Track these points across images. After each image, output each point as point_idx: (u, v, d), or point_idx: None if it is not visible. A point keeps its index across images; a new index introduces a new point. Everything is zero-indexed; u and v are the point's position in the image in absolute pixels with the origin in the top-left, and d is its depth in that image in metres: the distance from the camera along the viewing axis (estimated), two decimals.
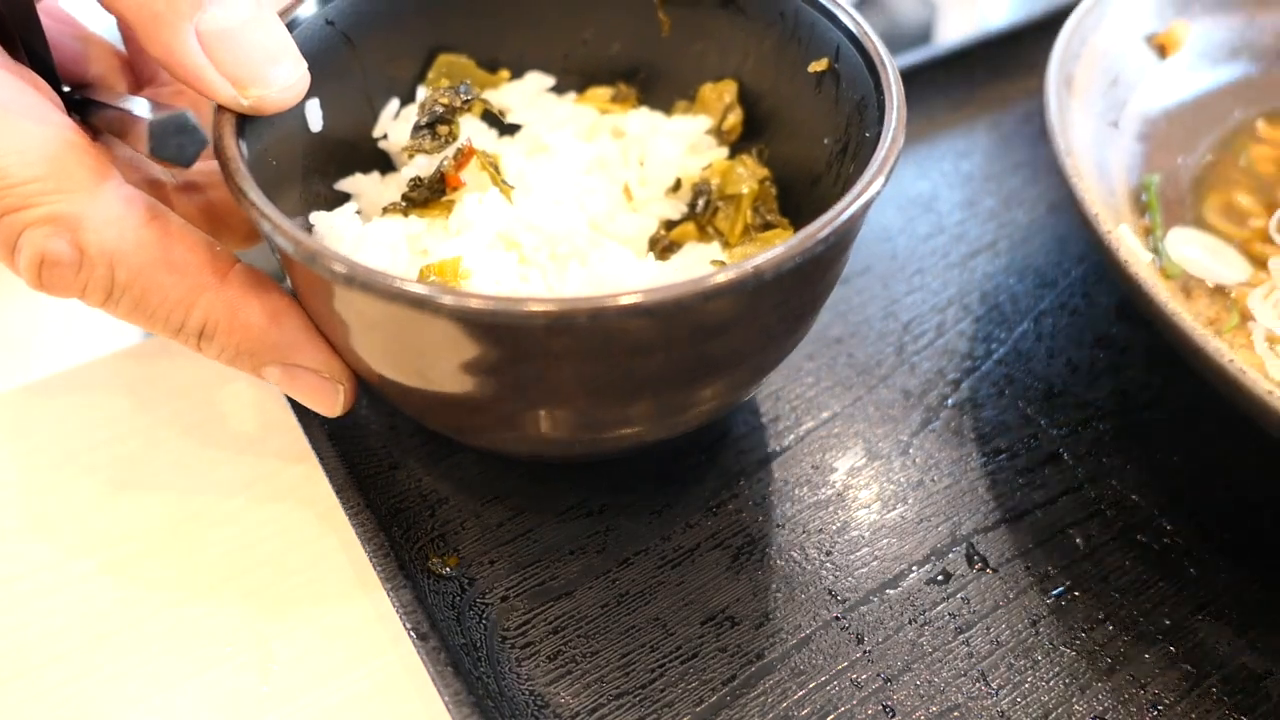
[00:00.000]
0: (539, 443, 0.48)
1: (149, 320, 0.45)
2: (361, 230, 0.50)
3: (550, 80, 0.61)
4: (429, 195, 0.52)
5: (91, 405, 0.60)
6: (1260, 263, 0.62)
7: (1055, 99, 0.59)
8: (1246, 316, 0.58)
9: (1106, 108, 0.66)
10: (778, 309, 0.44)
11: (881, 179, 0.43)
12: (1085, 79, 0.64)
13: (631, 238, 0.55)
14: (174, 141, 0.42)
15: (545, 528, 0.55)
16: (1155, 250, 0.60)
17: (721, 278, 0.39)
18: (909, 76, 0.81)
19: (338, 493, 0.53)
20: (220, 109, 0.45)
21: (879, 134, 0.46)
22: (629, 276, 0.49)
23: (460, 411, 0.46)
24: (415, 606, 0.48)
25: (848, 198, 0.42)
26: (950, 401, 0.62)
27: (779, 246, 0.40)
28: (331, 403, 0.49)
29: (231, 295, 0.45)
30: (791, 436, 0.60)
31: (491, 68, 0.60)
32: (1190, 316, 0.48)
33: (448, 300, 0.38)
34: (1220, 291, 0.59)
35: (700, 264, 0.52)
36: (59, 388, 0.61)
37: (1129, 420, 0.61)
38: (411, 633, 0.47)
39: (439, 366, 0.43)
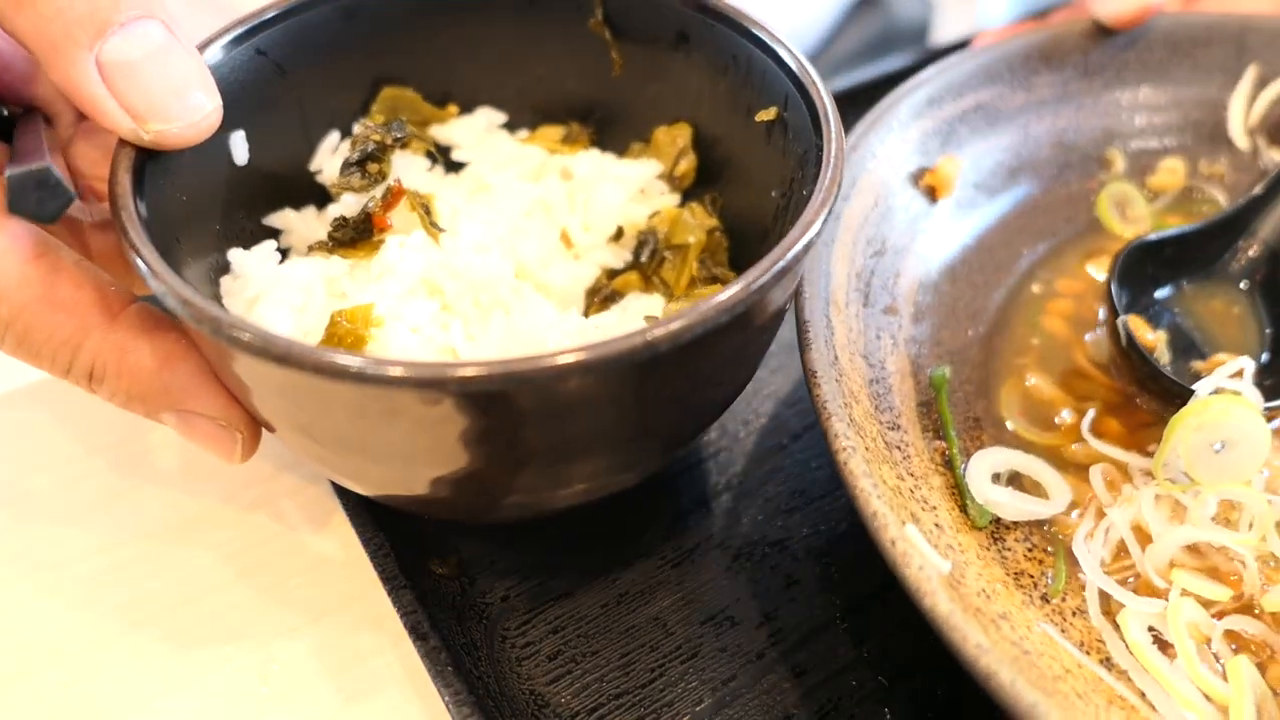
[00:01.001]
0: (429, 503, 0.47)
1: (35, 358, 0.44)
2: (275, 271, 0.48)
3: (501, 116, 0.58)
4: (355, 236, 0.50)
5: (93, 407, 0.60)
6: (1079, 468, 0.53)
7: (813, 309, 0.50)
8: (1074, 564, 0.49)
9: (879, 289, 0.56)
10: (653, 391, 0.41)
11: (796, 249, 0.40)
12: (848, 251, 0.55)
13: (563, 287, 0.52)
14: (33, 196, 0.41)
15: (545, 528, 0.55)
16: (956, 486, 0.51)
17: (561, 360, 0.36)
18: (907, 77, 0.81)
19: (338, 493, 0.53)
20: (121, 143, 0.43)
21: (812, 194, 0.43)
22: (549, 332, 0.47)
23: (352, 467, 0.44)
24: (415, 606, 0.48)
25: (726, 292, 0.38)
26: None
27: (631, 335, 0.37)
28: (229, 451, 0.46)
29: (121, 337, 0.43)
30: (791, 436, 0.60)
31: (441, 101, 0.57)
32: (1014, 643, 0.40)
33: (289, 353, 0.36)
34: (1039, 526, 0.51)
35: (633, 320, 0.50)
36: (60, 389, 0.61)
37: None
38: (411, 633, 0.47)
39: (320, 426, 0.41)
